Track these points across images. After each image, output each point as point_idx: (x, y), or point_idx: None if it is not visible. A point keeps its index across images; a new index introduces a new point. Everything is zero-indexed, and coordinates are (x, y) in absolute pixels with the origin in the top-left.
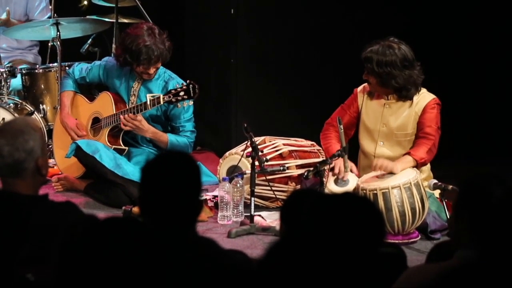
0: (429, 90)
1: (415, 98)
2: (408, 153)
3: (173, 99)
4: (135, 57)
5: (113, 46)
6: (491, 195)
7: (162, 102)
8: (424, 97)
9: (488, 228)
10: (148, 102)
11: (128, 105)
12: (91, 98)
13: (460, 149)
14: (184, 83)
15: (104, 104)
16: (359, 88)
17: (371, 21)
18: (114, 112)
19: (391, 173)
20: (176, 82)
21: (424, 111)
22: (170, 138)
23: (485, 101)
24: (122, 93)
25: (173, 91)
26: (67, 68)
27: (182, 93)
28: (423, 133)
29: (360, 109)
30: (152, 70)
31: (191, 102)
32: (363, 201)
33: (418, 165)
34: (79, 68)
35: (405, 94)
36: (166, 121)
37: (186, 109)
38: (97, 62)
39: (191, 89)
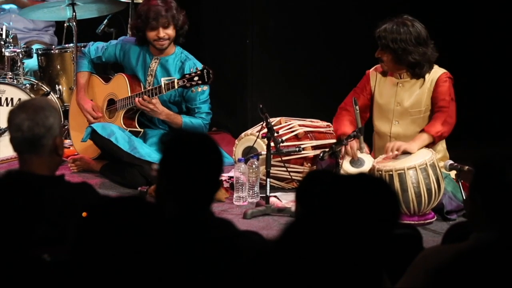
0: (446, 67)
1: (427, 75)
2: (422, 130)
3: (187, 84)
4: (145, 18)
5: (129, 26)
6: (504, 175)
7: (176, 87)
8: (436, 72)
9: (502, 209)
10: (163, 86)
11: (145, 85)
12: (107, 78)
13: (476, 130)
14: (199, 68)
15: (119, 86)
16: (371, 70)
17: (381, 3)
18: (129, 94)
19: (407, 153)
20: (193, 62)
21: (437, 85)
22: (184, 120)
23: (504, 80)
24: (139, 73)
25: (187, 75)
26: (83, 48)
27: (196, 78)
28: (437, 107)
29: (373, 90)
30: (162, 33)
31: (205, 87)
32: (377, 181)
33: (435, 140)
34: (95, 47)
35: (418, 72)
36: (182, 101)
37: (202, 91)
38: (113, 41)
39: (205, 74)
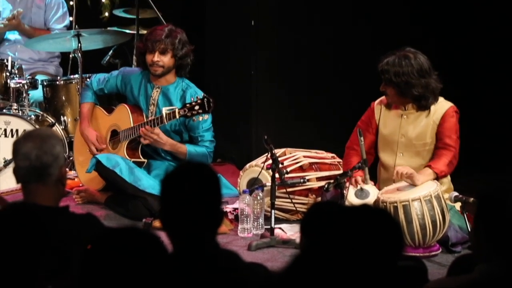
0: (449, 98)
1: (433, 107)
2: (428, 166)
3: (188, 113)
4: (145, 40)
5: (134, 57)
6: (507, 207)
7: (178, 117)
8: (442, 106)
9: (506, 241)
10: (164, 116)
11: (147, 114)
12: (110, 109)
13: (481, 162)
14: (200, 96)
15: (122, 117)
16: (376, 102)
17: (388, 34)
18: (132, 125)
19: (412, 185)
20: (194, 91)
21: (443, 120)
22: (188, 149)
23: (509, 111)
24: (141, 103)
25: (188, 105)
26: (87, 79)
27: (197, 107)
28: (443, 143)
29: (378, 123)
30: (157, 58)
31: (206, 116)
32: (381, 213)
33: (438, 178)
34: (97, 79)
35: (424, 104)
36: (184, 130)
37: (204, 120)
38: (115, 73)
39: (205, 103)
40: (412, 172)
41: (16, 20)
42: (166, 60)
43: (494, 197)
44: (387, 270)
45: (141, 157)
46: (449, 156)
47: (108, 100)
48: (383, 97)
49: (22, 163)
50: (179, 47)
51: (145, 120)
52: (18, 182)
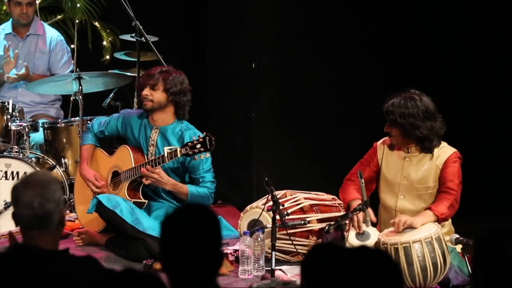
0: (451, 143)
1: (436, 151)
2: (429, 208)
3: (189, 152)
4: (141, 78)
5: (135, 100)
6: (504, 251)
7: (179, 155)
8: (445, 151)
9: (504, 283)
10: (166, 155)
11: (147, 155)
12: (111, 152)
13: (482, 204)
14: (201, 135)
15: (123, 158)
16: (379, 142)
17: (392, 75)
18: (133, 165)
19: (412, 227)
20: (193, 132)
21: (446, 165)
22: (190, 189)
23: (510, 153)
24: (141, 143)
25: (189, 143)
26: (88, 122)
27: (198, 146)
28: (445, 187)
29: (380, 163)
30: (146, 91)
31: (208, 154)
32: (380, 255)
33: (439, 221)
34: (98, 122)
35: (427, 146)
36: (184, 172)
37: (204, 160)
38: (115, 115)
39: (207, 141)
40: (412, 222)
41: (26, 71)
42: (156, 95)
43: (492, 240)
44: None
45: (141, 197)
46: (450, 199)
47: (109, 143)
48: (386, 138)
49: (24, 212)
50: (171, 83)
51: (146, 160)
52: (18, 226)
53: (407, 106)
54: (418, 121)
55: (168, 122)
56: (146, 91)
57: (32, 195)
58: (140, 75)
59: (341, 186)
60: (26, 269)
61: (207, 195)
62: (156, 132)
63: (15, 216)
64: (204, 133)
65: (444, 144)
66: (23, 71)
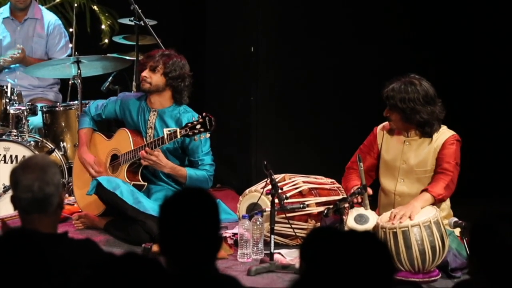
0: (450, 128)
1: (435, 135)
2: (425, 190)
3: (189, 132)
4: (142, 59)
5: (133, 83)
6: (498, 234)
7: (179, 136)
8: (444, 133)
9: (499, 267)
10: (165, 137)
11: (146, 138)
12: (109, 135)
13: (481, 187)
14: (200, 116)
15: (122, 141)
16: (379, 127)
17: (389, 60)
18: (132, 148)
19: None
20: (191, 115)
21: (443, 147)
22: (189, 172)
23: (508, 138)
24: (140, 126)
25: (189, 124)
26: (87, 105)
27: (198, 126)
28: (441, 168)
29: (380, 148)
30: (145, 73)
31: (208, 135)
32: (370, 238)
33: (436, 201)
34: (95, 105)
35: (428, 130)
36: (183, 155)
37: (203, 143)
38: (113, 98)
39: (207, 122)
40: (411, 213)
41: (21, 54)
42: (155, 78)
43: (485, 224)
44: None
45: (141, 180)
46: (446, 180)
47: (107, 126)
48: (386, 123)
49: (24, 195)
50: (171, 67)
51: (145, 143)
52: (17, 210)
53: (407, 91)
54: (418, 106)
55: (166, 105)
56: (145, 73)
57: (32, 178)
58: (140, 58)
59: (343, 175)
60: (25, 252)
61: (205, 178)
62: (154, 114)
63: (14, 200)
64: (204, 114)
65: (443, 127)
66: (17, 52)
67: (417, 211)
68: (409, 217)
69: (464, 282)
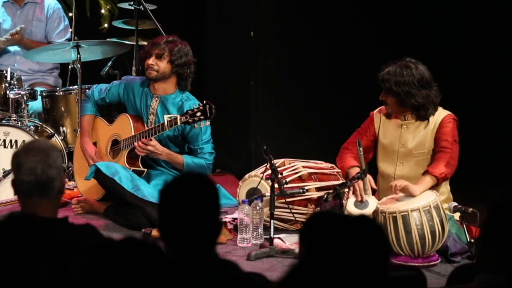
0: (450, 110)
1: (431, 117)
2: (426, 172)
3: (189, 120)
4: (146, 47)
5: (133, 68)
6: None
7: (179, 123)
8: (440, 114)
9: None
10: (166, 123)
11: (147, 123)
12: (111, 120)
13: (481, 172)
14: (201, 104)
15: (123, 126)
16: (375, 111)
17: (387, 44)
18: (133, 133)
19: (411, 194)
20: (193, 103)
21: (440, 126)
22: (186, 159)
23: (507, 122)
24: (141, 111)
25: (189, 111)
26: (87, 90)
27: (198, 114)
28: (439, 147)
29: (377, 132)
30: (151, 61)
31: (208, 123)
32: (367, 222)
33: (439, 181)
34: (99, 89)
35: (423, 114)
36: (183, 142)
37: (204, 131)
38: (116, 82)
39: (207, 109)
40: (407, 184)
41: (19, 35)
42: (161, 65)
43: (507, 207)
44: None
45: (141, 166)
46: (445, 157)
47: (107, 111)
48: (382, 107)
49: (27, 177)
50: (177, 54)
51: (146, 129)
52: (18, 195)
53: (402, 74)
54: (413, 90)
55: (169, 91)
56: (151, 60)
57: (35, 161)
58: (140, 44)
59: (338, 154)
60: (25, 236)
61: (203, 166)
62: (156, 100)
63: (16, 183)
64: (204, 101)
65: (440, 109)
66: (9, 26)
67: (416, 192)
68: (407, 191)
69: (464, 266)
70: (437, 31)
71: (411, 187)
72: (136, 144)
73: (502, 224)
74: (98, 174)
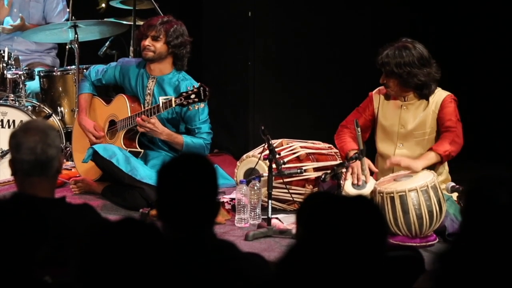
0: (449, 90)
1: (431, 97)
2: (430, 149)
3: (184, 102)
4: (141, 27)
5: (131, 48)
6: (495, 200)
7: (174, 105)
8: (440, 94)
9: (496, 232)
10: (161, 105)
11: (144, 104)
12: (108, 100)
13: (479, 152)
14: (196, 86)
15: (120, 107)
16: (374, 91)
17: (386, 23)
18: (130, 114)
19: (409, 175)
20: (189, 83)
21: (442, 107)
22: (185, 139)
23: (506, 102)
24: (138, 92)
25: (184, 94)
26: (84, 70)
27: (193, 96)
28: (444, 127)
29: (376, 112)
30: (147, 42)
31: (202, 105)
32: (364, 202)
33: (443, 159)
34: (95, 70)
35: (426, 92)
36: (181, 122)
37: (201, 111)
38: (113, 64)
39: (201, 92)
40: (410, 163)
41: (21, 22)
42: (158, 46)
43: (481, 189)
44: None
45: (138, 147)
46: (450, 136)
47: (105, 92)
48: (381, 87)
49: (27, 157)
50: (173, 35)
51: (142, 109)
52: (15, 174)
53: (402, 56)
54: (414, 69)
55: (165, 72)
56: (147, 42)
57: (35, 141)
58: (138, 24)
59: (336, 132)
60: (23, 216)
61: (202, 146)
62: (153, 81)
63: (14, 163)
64: (199, 84)
65: (438, 89)
66: (18, 21)
67: (417, 166)
68: (408, 169)
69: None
70: (436, 9)
71: (412, 164)
72: (137, 118)
73: (476, 206)
74: (95, 157)
